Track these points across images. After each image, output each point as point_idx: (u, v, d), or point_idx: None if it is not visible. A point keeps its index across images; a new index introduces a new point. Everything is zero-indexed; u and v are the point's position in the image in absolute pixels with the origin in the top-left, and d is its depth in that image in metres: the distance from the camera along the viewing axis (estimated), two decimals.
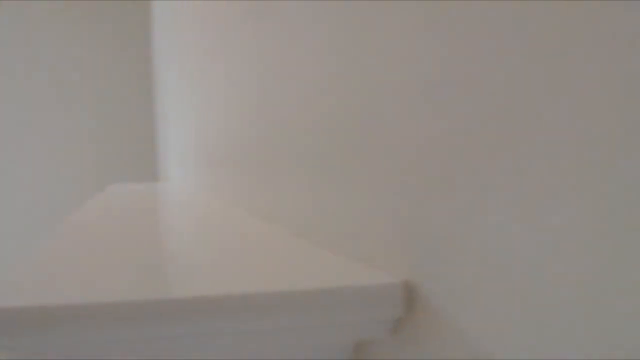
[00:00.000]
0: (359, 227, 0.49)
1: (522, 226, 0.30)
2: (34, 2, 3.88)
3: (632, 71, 0.23)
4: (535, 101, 0.29)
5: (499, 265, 0.32)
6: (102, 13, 3.97)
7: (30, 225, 3.93)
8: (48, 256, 0.54)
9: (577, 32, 0.26)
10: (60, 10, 3.92)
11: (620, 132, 0.24)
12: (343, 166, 0.51)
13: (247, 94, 0.86)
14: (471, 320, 0.35)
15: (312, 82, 0.57)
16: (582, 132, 0.26)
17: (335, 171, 0.53)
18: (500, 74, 0.31)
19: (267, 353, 0.43)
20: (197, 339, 0.39)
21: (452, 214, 0.36)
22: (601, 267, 0.25)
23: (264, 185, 0.79)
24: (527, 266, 0.30)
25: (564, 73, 0.27)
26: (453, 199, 0.36)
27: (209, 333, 0.39)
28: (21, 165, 3.91)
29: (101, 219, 0.86)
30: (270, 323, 0.39)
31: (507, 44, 0.31)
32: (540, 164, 0.29)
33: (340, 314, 0.40)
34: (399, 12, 0.41)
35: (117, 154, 4.05)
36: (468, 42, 0.34)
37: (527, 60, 0.29)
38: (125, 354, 0.39)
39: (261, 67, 0.76)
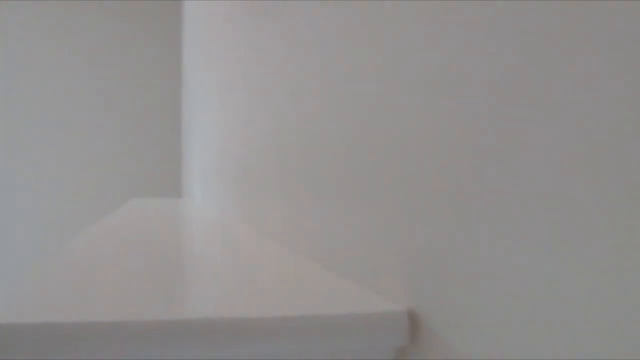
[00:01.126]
0: (365, 253, 0.48)
1: (529, 254, 0.30)
2: (64, 16, 3.98)
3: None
4: (547, 130, 0.29)
5: (505, 294, 0.31)
6: (132, 28, 4.06)
7: (55, 237, 3.99)
8: (60, 271, 0.55)
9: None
10: (89, 24, 4.02)
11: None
12: (351, 192, 0.51)
13: (264, 117, 0.87)
14: (476, 350, 0.34)
15: (329, 107, 0.58)
16: (595, 157, 0.26)
17: (344, 197, 0.53)
18: (515, 101, 0.31)
19: None
20: None
21: (457, 242, 0.36)
22: (614, 295, 0.25)
23: (277, 210, 0.79)
24: (534, 295, 0.29)
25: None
26: (458, 227, 0.36)
27: (210, 357, 0.39)
28: (49, 176, 3.98)
29: (118, 233, 0.87)
30: (272, 348, 0.39)
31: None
32: (548, 190, 0.28)
33: (343, 340, 0.40)
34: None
35: (143, 170, 4.11)
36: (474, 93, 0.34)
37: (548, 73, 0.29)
38: None
39: (282, 91, 0.77)
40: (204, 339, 0.38)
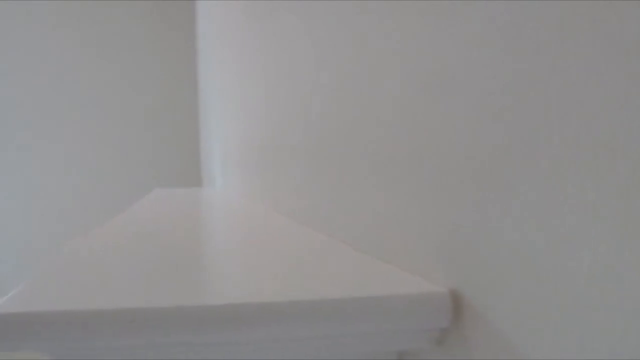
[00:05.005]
0: (406, 236, 0.47)
1: (572, 236, 0.28)
2: (86, 9, 4.00)
3: None
4: (584, 106, 0.27)
5: (549, 275, 0.30)
6: (149, 19, 4.07)
7: (82, 226, 4.06)
8: (87, 258, 0.55)
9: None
10: (109, 18, 4.04)
11: None
12: (390, 174, 0.50)
13: (288, 99, 0.86)
14: (519, 331, 0.33)
15: (360, 92, 0.57)
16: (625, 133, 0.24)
17: (382, 179, 0.52)
18: (545, 82, 0.30)
19: None
20: (240, 347, 0.39)
21: (499, 223, 0.35)
22: None
23: (308, 192, 0.79)
24: (578, 276, 0.28)
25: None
26: (500, 208, 0.34)
27: (251, 341, 0.39)
28: (75, 168, 4.04)
29: (144, 221, 0.87)
30: (315, 330, 0.39)
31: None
32: (592, 171, 0.27)
33: (386, 322, 0.39)
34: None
35: (163, 163, 4.14)
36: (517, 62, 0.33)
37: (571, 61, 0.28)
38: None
39: (305, 71, 0.76)
40: (242, 323, 0.38)
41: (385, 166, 0.51)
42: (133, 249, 0.59)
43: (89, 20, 4.02)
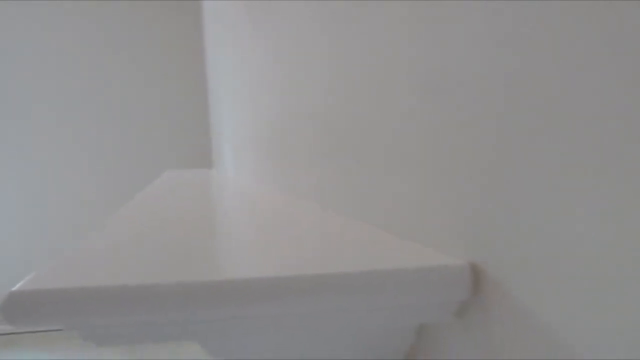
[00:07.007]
0: (425, 214, 0.48)
1: (590, 206, 0.28)
2: (100, 5, 4.01)
3: None
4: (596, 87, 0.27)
5: (568, 246, 0.30)
6: (158, 16, 4.09)
7: (98, 209, 4.12)
8: (110, 239, 0.55)
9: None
10: (119, 9, 4.04)
11: None
12: (407, 149, 0.50)
13: (303, 85, 0.85)
14: (539, 303, 0.33)
15: (376, 77, 0.56)
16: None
17: (400, 154, 0.52)
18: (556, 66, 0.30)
19: (331, 334, 0.43)
20: (262, 320, 0.39)
21: (518, 195, 0.35)
22: None
23: (326, 177, 0.79)
24: (598, 247, 0.28)
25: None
26: (519, 180, 0.34)
27: (272, 314, 0.39)
28: (91, 154, 4.09)
29: (159, 201, 0.87)
30: (335, 304, 0.39)
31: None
32: (606, 144, 0.27)
33: (405, 295, 0.39)
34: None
35: (174, 144, 4.18)
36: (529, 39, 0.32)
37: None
38: (185, 335, 0.39)
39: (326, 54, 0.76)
40: (257, 297, 0.38)
41: (404, 143, 0.50)
42: (150, 228, 0.60)
43: (108, 20, 4.06)
